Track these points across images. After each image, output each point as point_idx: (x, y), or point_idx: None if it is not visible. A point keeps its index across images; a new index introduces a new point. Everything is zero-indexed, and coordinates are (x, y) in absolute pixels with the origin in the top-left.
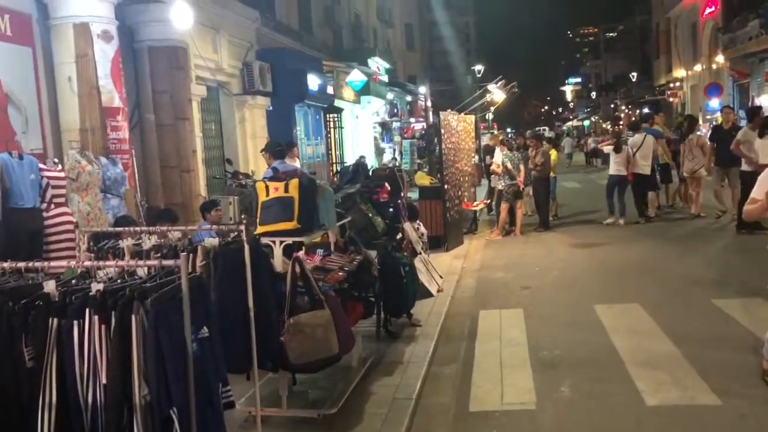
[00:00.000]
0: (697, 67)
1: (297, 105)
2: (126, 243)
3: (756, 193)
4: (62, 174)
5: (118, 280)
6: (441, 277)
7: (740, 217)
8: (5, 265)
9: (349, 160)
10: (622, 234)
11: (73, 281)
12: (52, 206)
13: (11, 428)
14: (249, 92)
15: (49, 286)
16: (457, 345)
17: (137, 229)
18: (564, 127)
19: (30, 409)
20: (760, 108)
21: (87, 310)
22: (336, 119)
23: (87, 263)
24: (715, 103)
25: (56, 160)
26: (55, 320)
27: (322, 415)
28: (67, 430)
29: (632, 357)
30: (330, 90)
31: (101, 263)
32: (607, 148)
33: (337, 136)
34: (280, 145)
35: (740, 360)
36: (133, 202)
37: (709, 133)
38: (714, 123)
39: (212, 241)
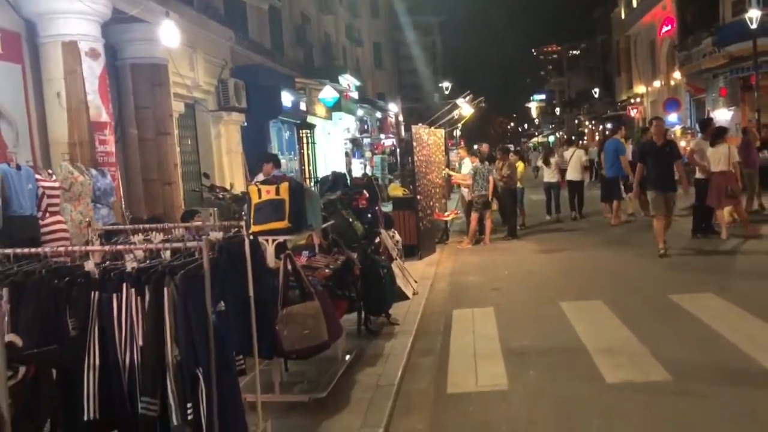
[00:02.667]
0: (656, 83)
1: (271, 121)
2: (137, 238)
3: None
4: (56, 184)
5: (147, 261)
6: (416, 281)
7: (696, 222)
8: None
9: (322, 175)
10: (585, 240)
11: (107, 263)
12: (47, 215)
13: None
14: (224, 108)
15: (89, 265)
16: (433, 339)
17: (146, 226)
18: (530, 143)
19: (75, 372)
20: (711, 119)
21: (124, 284)
22: (308, 135)
23: (120, 247)
24: (673, 117)
25: (50, 171)
26: (97, 294)
27: (312, 399)
28: (108, 386)
29: (594, 344)
30: (303, 106)
31: (133, 247)
32: (539, 163)
33: (309, 151)
34: (276, 156)
35: (690, 343)
36: (120, 212)
37: (634, 151)
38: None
39: (216, 235)
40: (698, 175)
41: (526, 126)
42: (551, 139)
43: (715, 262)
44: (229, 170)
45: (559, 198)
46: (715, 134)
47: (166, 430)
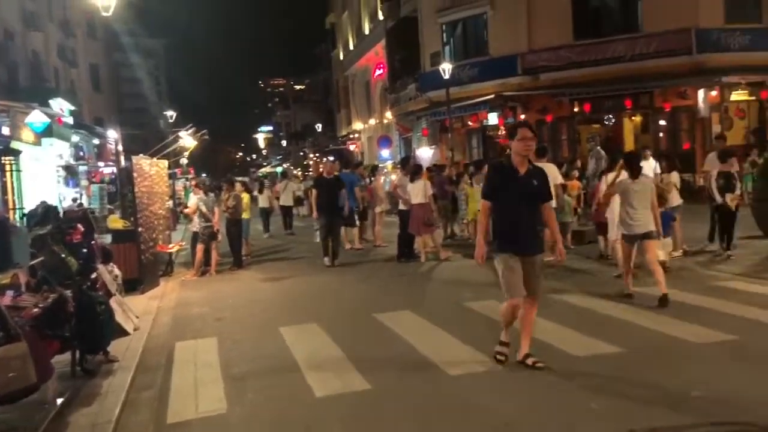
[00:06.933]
0: (372, 121)
1: None
2: None
3: None
4: None
5: None
6: (137, 317)
7: (399, 248)
8: None
9: (30, 205)
10: (306, 267)
11: None
12: None
13: None
14: None
15: None
16: (154, 373)
17: None
18: (259, 173)
19: None
20: (410, 157)
21: None
22: (13, 162)
23: None
24: (386, 153)
25: None
26: None
27: None
28: None
29: (307, 363)
30: (5, 131)
31: None
32: (255, 192)
33: (14, 180)
34: None
35: (388, 355)
36: None
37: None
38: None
39: None
40: (401, 206)
41: (254, 156)
42: (279, 170)
43: (413, 283)
44: None
45: (269, 218)
46: (414, 171)
47: None
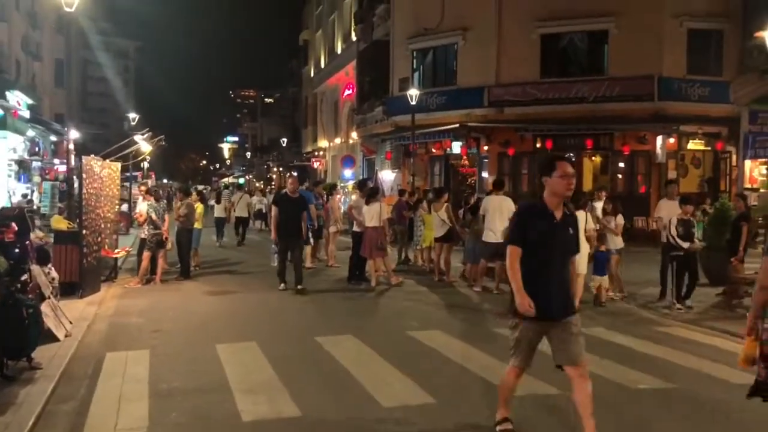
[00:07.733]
0: (337, 140)
1: None
2: None
3: None
4: None
5: None
6: (71, 322)
7: (351, 270)
8: None
9: None
10: (254, 283)
11: None
12: None
13: None
14: None
15: None
16: (78, 384)
17: None
18: (222, 183)
19: None
20: (367, 180)
21: None
22: None
23: None
24: (348, 173)
25: None
26: None
27: None
28: None
29: (239, 385)
30: None
31: None
32: (212, 202)
33: None
34: None
35: (323, 381)
36: None
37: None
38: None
39: None
40: (355, 228)
41: (218, 165)
42: (242, 181)
43: (360, 307)
44: None
45: (224, 228)
46: (370, 194)
47: None
